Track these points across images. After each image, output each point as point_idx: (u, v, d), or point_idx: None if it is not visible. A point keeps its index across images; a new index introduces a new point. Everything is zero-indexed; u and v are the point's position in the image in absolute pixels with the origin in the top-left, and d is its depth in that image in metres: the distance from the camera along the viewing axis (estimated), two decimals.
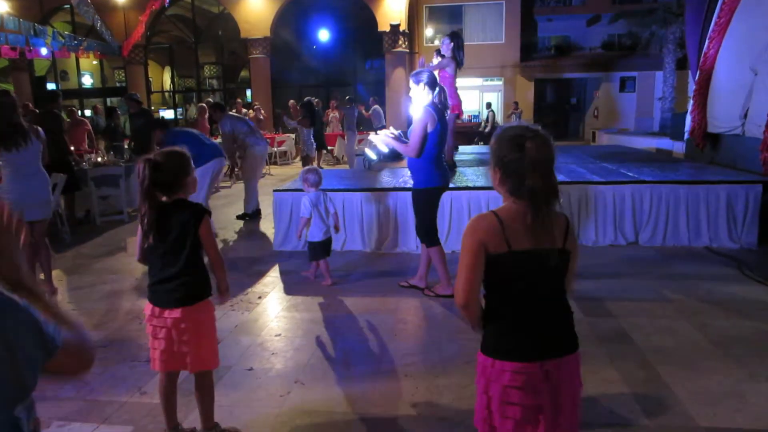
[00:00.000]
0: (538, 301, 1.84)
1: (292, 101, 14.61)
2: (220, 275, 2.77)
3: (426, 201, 4.81)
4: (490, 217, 1.81)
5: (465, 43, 7.52)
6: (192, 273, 2.66)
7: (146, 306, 2.72)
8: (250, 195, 8.49)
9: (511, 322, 1.85)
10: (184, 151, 2.69)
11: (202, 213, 2.65)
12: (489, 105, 20.56)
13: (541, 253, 1.79)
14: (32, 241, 4.85)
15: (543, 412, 1.83)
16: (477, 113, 22.34)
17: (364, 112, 15.26)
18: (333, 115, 16.68)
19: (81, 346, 1.24)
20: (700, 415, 2.98)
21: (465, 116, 19.72)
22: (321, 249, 5.26)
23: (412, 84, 4.67)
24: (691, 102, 9.20)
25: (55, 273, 5.81)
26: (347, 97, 14.28)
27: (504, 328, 1.86)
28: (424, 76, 4.60)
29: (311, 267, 5.45)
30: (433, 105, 4.60)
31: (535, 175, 1.74)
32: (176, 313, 2.61)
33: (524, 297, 1.84)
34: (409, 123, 5.45)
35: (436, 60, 7.80)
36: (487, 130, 18.66)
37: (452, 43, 7.14)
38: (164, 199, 2.64)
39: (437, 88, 4.65)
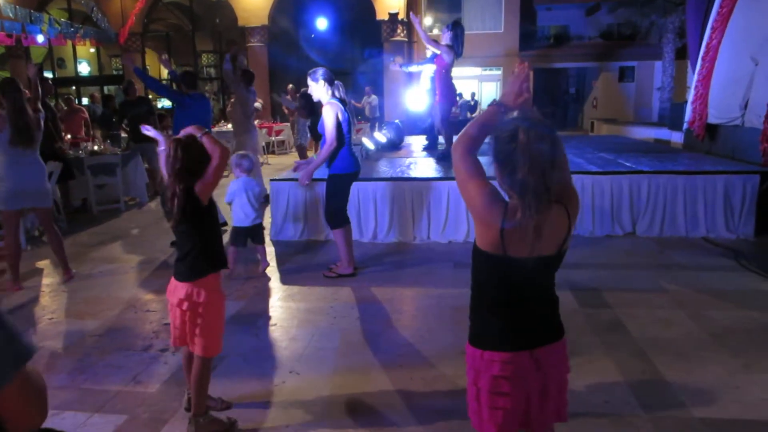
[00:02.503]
0: (528, 296, 1.83)
1: (291, 86, 14.51)
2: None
3: (340, 186, 5.07)
4: (501, 209, 1.72)
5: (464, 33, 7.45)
6: (201, 247, 2.71)
7: (169, 282, 2.80)
8: None
9: (499, 315, 1.84)
10: None
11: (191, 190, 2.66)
12: (459, 95, 20.60)
13: (535, 261, 1.75)
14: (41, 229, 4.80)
15: (531, 399, 1.83)
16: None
17: (355, 103, 15.12)
18: None
19: (39, 384, 1.06)
20: (694, 405, 2.98)
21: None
22: (244, 235, 5.23)
23: (310, 82, 4.94)
24: (692, 92, 9.16)
25: (50, 262, 5.80)
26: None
27: (492, 320, 1.85)
28: (320, 73, 4.88)
29: (229, 255, 5.19)
30: (335, 98, 4.90)
31: (526, 168, 1.66)
32: (182, 293, 2.67)
33: (514, 293, 1.83)
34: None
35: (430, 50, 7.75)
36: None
37: (451, 33, 7.07)
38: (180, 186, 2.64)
39: (335, 83, 4.97)
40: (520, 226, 1.69)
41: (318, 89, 4.90)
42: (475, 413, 1.88)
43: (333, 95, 4.91)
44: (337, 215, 5.08)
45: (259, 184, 5.26)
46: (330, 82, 4.90)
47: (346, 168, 5.00)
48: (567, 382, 1.95)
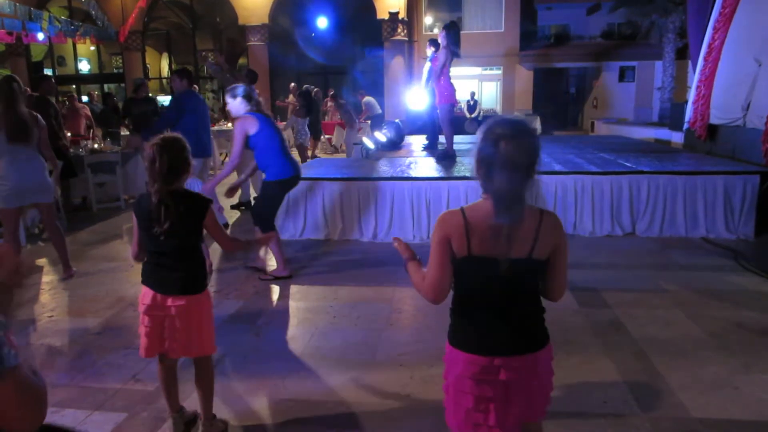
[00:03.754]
0: (495, 303, 1.85)
1: (293, 84, 14.43)
2: (244, 249, 2.86)
3: (272, 193, 5.11)
4: (458, 216, 1.80)
5: (464, 32, 7.53)
6: (193, 261, 2.65)
7: (144, 294, 2.66)
8: (245, 185, 8.38)
9: (467, 317, 1.90)
10: (182, 137, 2.66)
11: (206, 203, 2.63)
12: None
13: (501, 262, 1.75)
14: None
15: (494, 404, 1.83)
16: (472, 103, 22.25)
17: (363, 121, 14.99)
18: (331, 104, 16.58)
19: (35, 388, 1.05)
20: (693, 405, 2.99)
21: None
22: None
23: (228, 99, 5.01)
24: (694, 92, 9.15)
25: (49, 260, 5.80)
26: (340, 101, 13.82)
27: (462, 320, 1.92)
28: (239, 90, 4.93)
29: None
30: (251, 112, 4.93)
31: (503, 176, 1.70)
32: (180, 300, 2.58)
33: (481, 297, 1.86)
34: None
35: (429, 50, 7.91)
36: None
37: (445, 33, 7.14)
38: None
39: (254, 99, 5.02)
40: (485, 224, 1.74)
41: (235, 105, 4.96)
42: (447, 404, 1.98)
43: (249, 109, 4.94)
44: (264, 221, 5.10)
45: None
46: (248, 98, 4.96)
47: (278, 175, 5.03)
48: (540, 394, 1.91)
